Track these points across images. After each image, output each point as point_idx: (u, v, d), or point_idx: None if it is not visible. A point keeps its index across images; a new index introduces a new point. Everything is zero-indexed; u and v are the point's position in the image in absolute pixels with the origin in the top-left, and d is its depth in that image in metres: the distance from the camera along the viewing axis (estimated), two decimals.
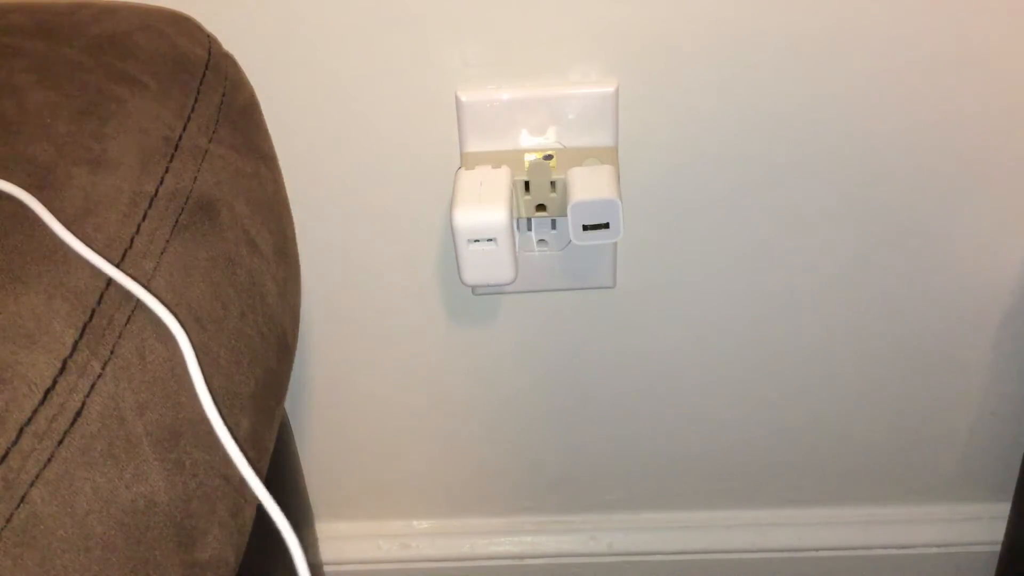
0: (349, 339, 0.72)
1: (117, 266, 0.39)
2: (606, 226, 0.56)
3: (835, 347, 0.72)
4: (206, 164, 0.47)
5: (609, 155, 0.60)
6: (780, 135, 0.61)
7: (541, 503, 0.82)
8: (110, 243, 0.40)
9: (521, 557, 0.83)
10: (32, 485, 0.33)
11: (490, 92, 0.59)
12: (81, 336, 0.36)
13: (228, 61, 0.53)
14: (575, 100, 0.59)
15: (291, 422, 0.74)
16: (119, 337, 0.38)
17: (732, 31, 0.57)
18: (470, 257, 0.57)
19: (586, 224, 0.56)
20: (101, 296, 0.38)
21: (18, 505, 0.32)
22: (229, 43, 0.54)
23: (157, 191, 0.43)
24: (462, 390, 0.75)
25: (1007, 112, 0.60)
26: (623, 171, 0.61)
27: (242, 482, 0.38)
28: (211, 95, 0.50)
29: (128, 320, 0.38)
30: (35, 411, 0.34)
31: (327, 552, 0.83)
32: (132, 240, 0.41)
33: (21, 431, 0.33)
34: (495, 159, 0.59)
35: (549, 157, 0.59)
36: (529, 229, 0.63)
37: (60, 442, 0.34)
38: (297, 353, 0.55)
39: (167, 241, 0.42)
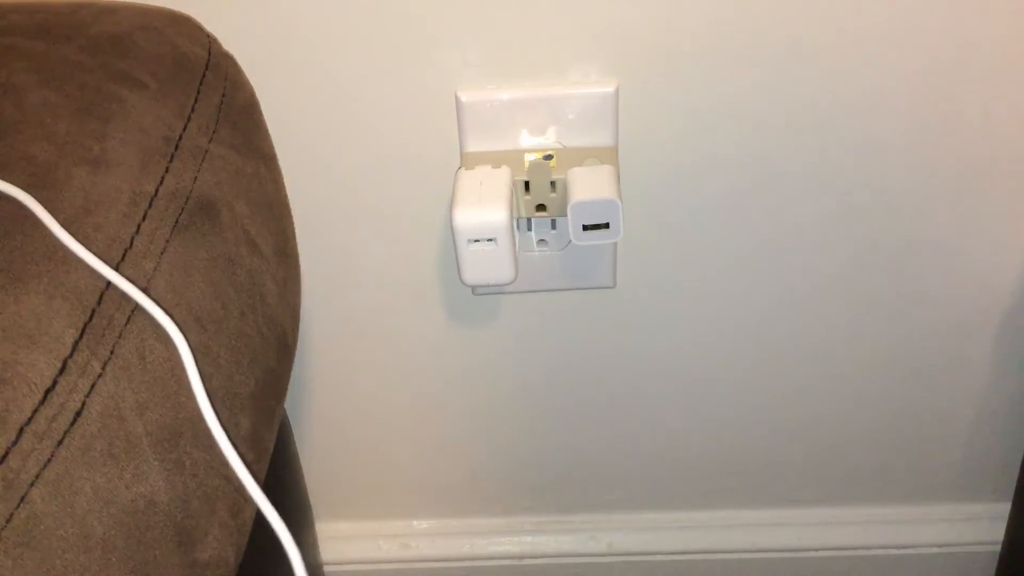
0: (349, 339, 0.72)
1: (117, 266, 0.39)
2: (606, 226, 0.56)
3: (835, 347, 0.72)
4: (206, 164, 0.47)
5: (609, 155, 0.59)
6: (780, 135, 0.61)
7: (541, 503, 0.82)
8: (110, 243, 0.40)
9: (521, 557, 0.83)
10: (32, 485, 0.33)
11: (490, 92, 0.59)
12: (81, 336, 0.36)
13: (228, 61, 0.53)
14: (575, 100, 0.59)
15: (291, 422, 0.74)
16: (119, 337, 0.38)
17: (732, 31, 0.57)
18: (470, 257, 0.57)
19: (586, 224, 0.56)
20: (101, 296, 0.38)
21: (18, 505, 0.32)
22: (229, 43, 0.54)
23: (157, 191, 0.43)
24: (462, 390, 0.75)
25: (1007, 112, 0.60)
26: (623, 171, 0.61)
27: (242, 482, 0.38)
28: (211, 95, 0.50)
29: (128, 320, 0.38)
30: (35, 411, 0.34)
31: (327, 552, 0.83)
32: (132, 240, 0.41)
33: (21, 431, 0.33)
34: (495, 159, 0.59)
35: (549, 157, 0.59)
36: (529, 229, 0.63)
37: (60, 442, 0.34)
38: (297, 353, 0.55)
39: (167, 241, 0.42)
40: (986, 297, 0.69)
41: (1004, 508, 0.75)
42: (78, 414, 0.35)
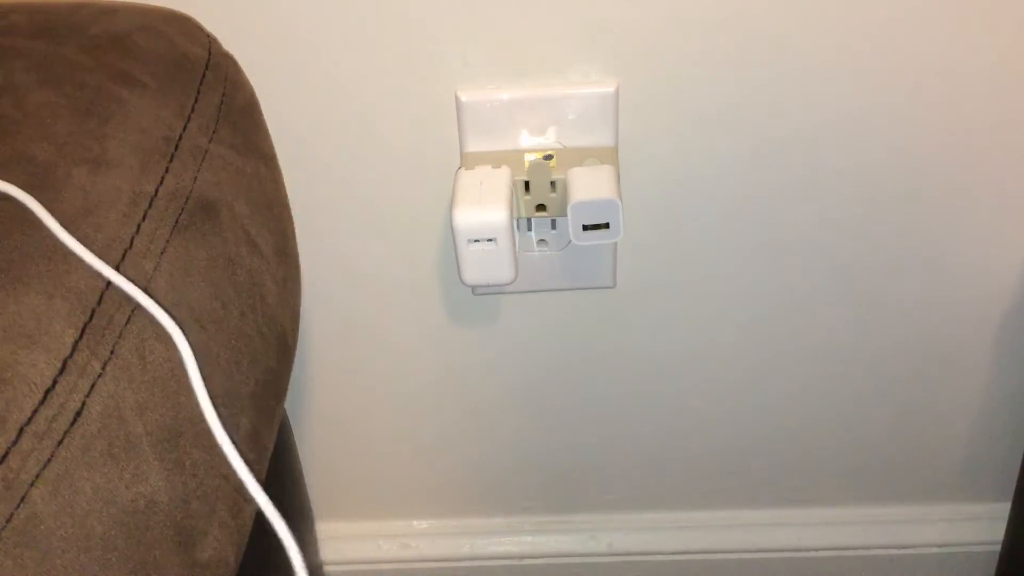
0: (349, 339, 0.72)
1: (117, 266, 0.39)
2: (606, 226, 0.56)
3: (835, 347, 0.72)
4: (206, 164, 0.47)
5: (609, 155, 0.59)
6: (780, 135, 0.61)
7: (541, 503, 0.82)
8: (110, 243, 0.40)
9: (521, 557, 0.83)
10: (32, 485, 0.33)
11: (490, 92, 0.59)
12: (81, 336, 0.36)
13: (228, 61, 0.53)
14: (575, 100, 0.59)
15: (291, 422, 0.74)
16: (119, 337, 0.38)
17: (733, 31, 0.57)
18: (470, 257, 0.57)
19: (586, 224, 0.56)
20: (101, 296, 0.38)
21: (18, 505, 0.32)
22: (229, 43, 0.54)
23: (157, 191, 0.43)
24: (462, 390, 0.75)
25: (1007, 113, 0.60)
26: (623, 171, 0.61)
27: (242, 482, 0.38)
28: (211, 95, 0.50)
29: (128, 320, 0.38)
30: (35, 411, 0.34)
31: (327, 552, 0.83)
32: (132, 240, 0.41)
33: (21, 431, 0.33)
34: (495, 159, 0.59)
35: (549, 157, 0.59)
36: (529, 229, 0.63)
37: (60, 442, 0.34)
38: (297, 353, 0.55)
39: (167, 241, 0.42)
40: (986, 297, 0.69)
41: (1004, 508, 0.75)
42: (78, 414, 0.35)
